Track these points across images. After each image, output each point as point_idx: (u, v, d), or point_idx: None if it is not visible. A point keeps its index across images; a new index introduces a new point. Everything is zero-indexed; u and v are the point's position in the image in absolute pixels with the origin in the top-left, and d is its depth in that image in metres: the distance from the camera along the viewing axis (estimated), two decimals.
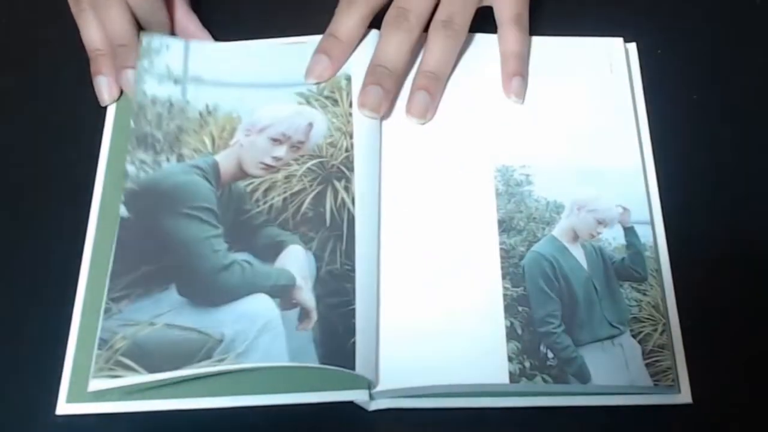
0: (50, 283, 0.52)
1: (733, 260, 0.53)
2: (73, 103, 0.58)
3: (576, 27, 0.59)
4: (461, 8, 0.56)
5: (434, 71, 0.55)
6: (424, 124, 0.55)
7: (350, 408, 0.48)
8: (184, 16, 0.60)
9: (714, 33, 0.61)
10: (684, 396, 0.48)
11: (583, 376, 0.48)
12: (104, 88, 0.57)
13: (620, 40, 0.59)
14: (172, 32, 0.59)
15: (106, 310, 0.49)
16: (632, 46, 0.59)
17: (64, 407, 0.48)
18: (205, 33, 0.60)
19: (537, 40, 0.59)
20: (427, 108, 0.55)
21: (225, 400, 0.48)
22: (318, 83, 0.56)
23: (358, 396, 0.48)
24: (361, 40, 0.57)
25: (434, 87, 0.55)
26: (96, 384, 0.46)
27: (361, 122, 0.54)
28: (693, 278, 0.51)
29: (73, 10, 0.58)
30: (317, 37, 0.57)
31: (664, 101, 0.58)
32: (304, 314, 0.48)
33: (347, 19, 0.56)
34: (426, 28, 0.56)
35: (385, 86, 0.54)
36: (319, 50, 0.56)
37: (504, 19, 0.57)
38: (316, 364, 0.46)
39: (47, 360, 0.49)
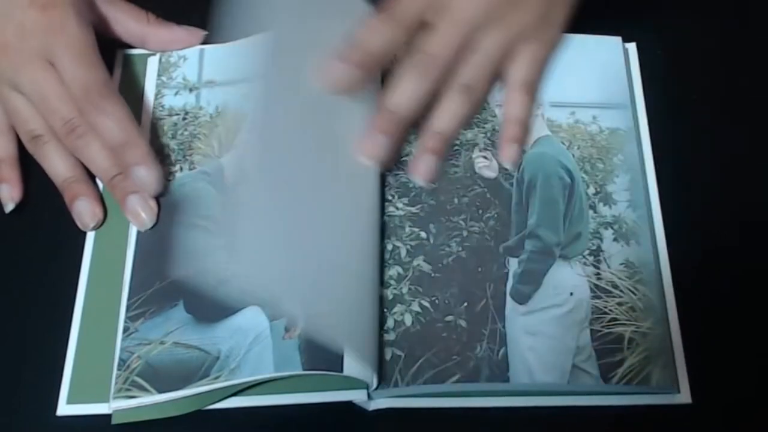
0: (51, 284, 0.53)
1: (733, 260, 0.52)
2: None
3: (575, 25, 0.59)
4: (484, 76, 0.53)
5: (445, 133, 0.53)
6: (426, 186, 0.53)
7: (350, 408, 0.48)
8: (155, 30, 0.58)
9: (714, 32, 0.61)
10: (683, 396, 0.48)
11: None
12: (86, 211, 0.53)
13: (619, 39, 0.59)
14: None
15: (125, 329, 0.50)
16: (632, 46, 0.59)
17: (64, 408, 0.49)
18: (184, 31, 0.59)
19: None
20: (433, 171, 0.53)
21: (226, 401, 0.48)
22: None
23: (355, 396, 0.48)
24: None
25: (443, 150, 0.53)
26: (116, 404, 0.47)
27: None
28: (693, 278, 0.51)
29: (31, 148, 0.54)
30: None
31: (664, 101, 0.58)
32: (290, 322, 0.49)
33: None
34: None
35: (393, 133, 0.52)
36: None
37: (514, 83, 0.55)
38: (300, 372, 0.47)
39: (48, 361, 0.50)
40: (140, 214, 0.52)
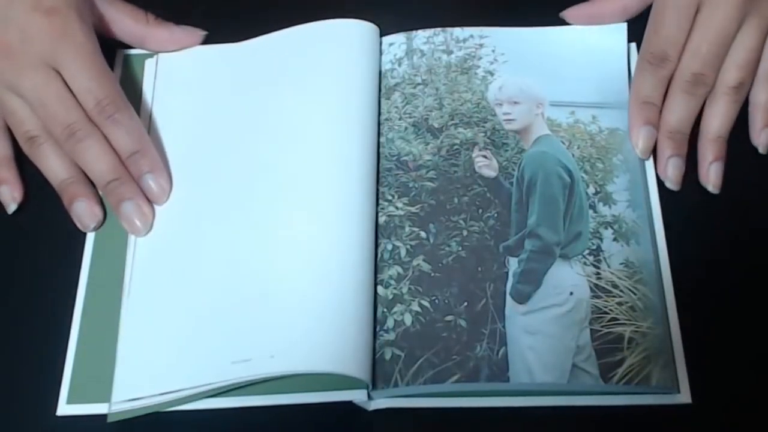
0: (51, 284, 0.53)
1: (733, 260, 0.52)
2: None
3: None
4: (751, 74, 0.55)
5: (721, 136, 0.54)
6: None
7: (350, 408, 0.48)
8: (155, 31, 0.58)
9: None
10: (683, 396, 0.48)
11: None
12: (85, 213, 0.53)
13: (624, 25, 0.59)
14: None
15: None
16: (632, 46, 0.59)
17: (64, 408, 0.49)
18: (184, 31, 0.59)
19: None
20: (722, 177, 0.54)
21: (225, 400, 0.48)
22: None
23: (356, 396, 0.48)
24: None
25: (723, 153, 0.54)
26: (116, 407, 0.48)
27: None
28: (693, 278, 0.51)
29: (27, 149, 0.54)
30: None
31: None
32: None
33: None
34: None
35: (683, 154, 0.54)
36: (642, 121, 0.54)
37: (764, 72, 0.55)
38: (299, 371, 0.47)
39: (48, 361, 0.50)
40: (134, 221, 0.52)
